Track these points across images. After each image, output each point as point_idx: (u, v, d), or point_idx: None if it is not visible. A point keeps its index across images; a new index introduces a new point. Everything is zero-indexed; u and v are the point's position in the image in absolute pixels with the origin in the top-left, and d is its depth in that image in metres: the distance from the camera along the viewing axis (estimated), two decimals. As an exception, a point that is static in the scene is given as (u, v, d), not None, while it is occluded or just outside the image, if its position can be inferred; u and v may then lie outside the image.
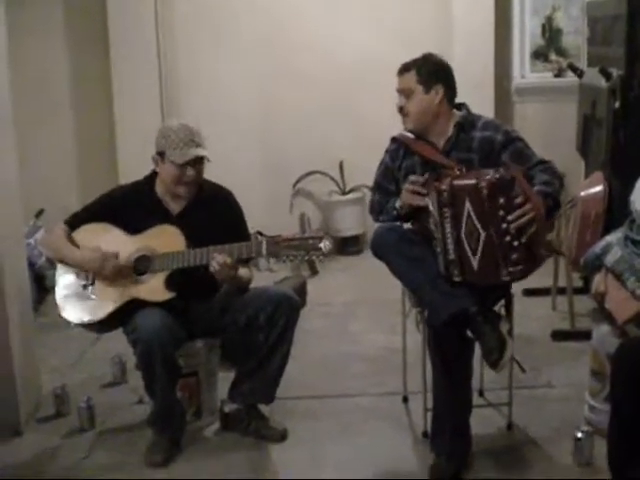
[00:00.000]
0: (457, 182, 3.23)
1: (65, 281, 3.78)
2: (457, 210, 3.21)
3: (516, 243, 3.14)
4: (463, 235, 3.21)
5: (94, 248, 3.67)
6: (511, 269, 3.16)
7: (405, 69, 3.57)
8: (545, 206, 3.28)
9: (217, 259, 3.48)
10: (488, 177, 3.13)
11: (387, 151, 3.72)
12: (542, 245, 3.34)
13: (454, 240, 3.24)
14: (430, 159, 3.53)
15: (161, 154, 3.68)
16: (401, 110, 3.58)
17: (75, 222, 3.80)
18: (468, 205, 3.18)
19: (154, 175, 3.78)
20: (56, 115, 6.76)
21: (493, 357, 3.20)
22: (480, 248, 3.19)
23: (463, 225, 3.21)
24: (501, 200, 3.13)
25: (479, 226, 3.17)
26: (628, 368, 2.73)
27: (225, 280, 3.65)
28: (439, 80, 3.55)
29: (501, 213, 3.13)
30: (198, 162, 3.68)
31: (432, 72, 3.55)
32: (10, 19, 4.13)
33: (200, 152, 3.65)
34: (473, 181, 3.17)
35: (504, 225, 3.13)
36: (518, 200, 3.14)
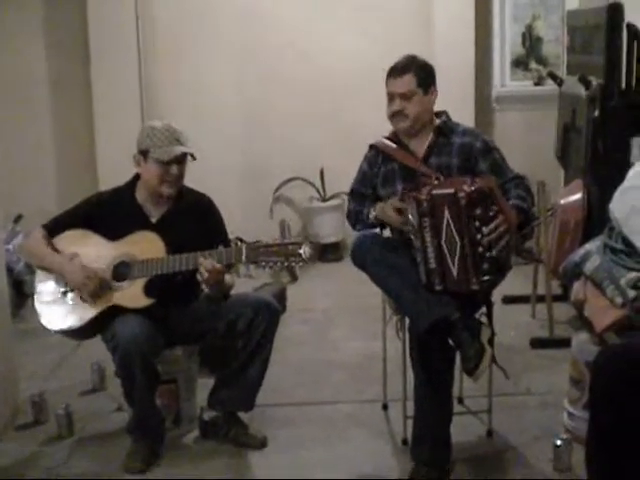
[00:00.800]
0: (436, 192, 3.24)
1: (44, 287, 3.75)
2: (437, 219, 3.22)
3: (488, 254, 3.18)
4: (443, 243, 3.23)
5: (73, 256, 3.66)
6: (481, 278, 3.20)
7: (403, 71, 3.53)
8: (517, 220, 3.32)
9: (205, 264, 3.47)
10: (466, 187, 3.15)
11: (365, 158, 3.73)
12: (510, 257, 3.38)
13: (434, 249, 3.25)
14: (410, 167, 3.54)
15: (144, 153, 3.65)
16: (398, 113, 3.55)
17: (54, 227, 3.77)
18: (447, 214, 3.20)
19: (135, 181, 3.77)
20: (35, 119, 6.72)
21: (470, 365, 3.21)
22: (457, 257, 3.21)
23: (443, 234, 3.22)
24: (478, 211, 3.16)
25: (456, 235, 3.19)
26: (607, 376, 2.73)
27: (212, 286, 3.63)
28: (433, 81, 3.59)
29: (476, 224, 3.17)
30: (182, 160, 3.67)
31: (427, 73, 3.58)
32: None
33: (185, 149, 3.65)
34: (451, 190, 3.18)
35: (478, 236, 3.17)
36: (492, 212, 3.17)
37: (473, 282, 3.21)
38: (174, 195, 3.73)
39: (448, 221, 3.20)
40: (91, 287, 3.59)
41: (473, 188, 3.15)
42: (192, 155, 3.68)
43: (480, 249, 3.18)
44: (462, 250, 3.19)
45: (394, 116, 3.57)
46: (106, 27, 6.50)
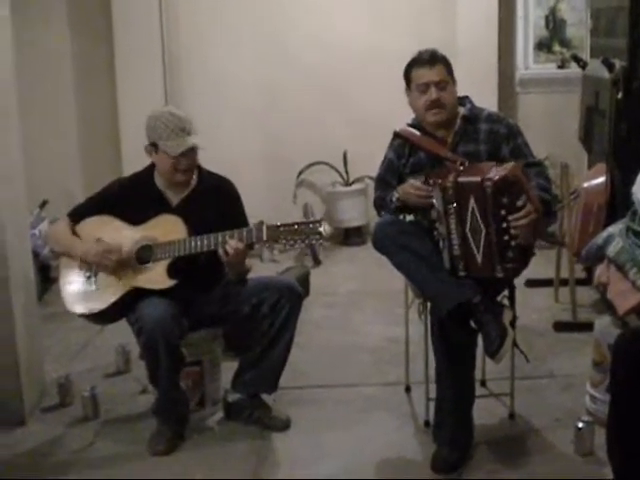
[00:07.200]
0: (462, 179, 3.24)
1: (68, 273, 3.79)
2: (462, 207, 3.23)
3: (513, 242, 3.19)
4: (468, 231, 3.24)
5: (96, 240, 3.69)
6: (506, 266, 3.22)
7: (435, 61, 3.50)
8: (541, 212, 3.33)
9: (230, 244, 3.49)
10: (491, 175, 3.15)
11: (391, 146, 3.70)
12: (533, 246, 3.37)
13: (459, 236, 3.26)
14: (436, 154, 3.52)
15: (154, 145, 3.68)
16: (434, 104, 3.48)
17: (77, 215, 3.83)
18: (472, 202, 3.20)
19: (153, 166, 3.79)
20: (59, 103, 6.74)
21: (493, 347, 3.22)
22: (482, 244, 3.22)
23: (468, 221, 3.23)
24: (504, 200, 3.16)
25: (481, 223, 3.20)
26: (627, 358, 2.74)
27: (233, 266, 3.65)
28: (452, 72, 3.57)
29: (502, 212, 3.17)
30: (191, 151, 3.68)
31: (450, 63, 3.55)
32: (13, 4, 4.12)
33: (192, 142, 3.65)
34: (478, 179, 3.18)
35: (504, 224, 3.17)
36: (520, 202, 3.17)
37: (497, 269, 3.24)
38: (189, 181, 3.76)
39: (473, 209, 3.20)
40: (112, 259, 3.63)
41: (498, 177, 3.14)
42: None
43: (506, 237, 3.18)
44: (487, 237, 3.20)
45: (430, 107, 3.49)
46: (129, 8, 6.51)
